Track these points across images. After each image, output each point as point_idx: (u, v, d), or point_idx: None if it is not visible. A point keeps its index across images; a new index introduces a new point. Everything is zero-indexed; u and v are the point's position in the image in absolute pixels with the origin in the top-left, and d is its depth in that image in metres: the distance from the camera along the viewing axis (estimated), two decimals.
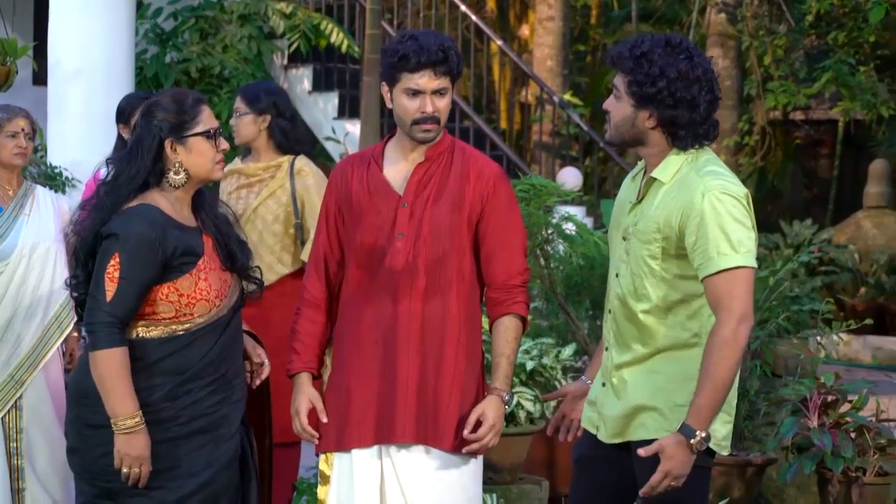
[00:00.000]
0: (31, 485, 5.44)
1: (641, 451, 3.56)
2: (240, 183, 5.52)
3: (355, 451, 3.98)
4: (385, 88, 3.98)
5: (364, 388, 3.97)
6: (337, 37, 11.30)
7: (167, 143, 3.83)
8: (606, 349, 3.85)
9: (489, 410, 3.92)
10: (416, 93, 3.90)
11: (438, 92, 3.91)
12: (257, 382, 4.12)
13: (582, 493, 3.92)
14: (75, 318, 5.51)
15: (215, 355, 3.88)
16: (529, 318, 6.61)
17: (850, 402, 5.49)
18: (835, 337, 6.51)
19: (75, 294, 3.94)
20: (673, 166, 3.69)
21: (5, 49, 8.33)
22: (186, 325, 3.84)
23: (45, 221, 5.51)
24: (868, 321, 6.81)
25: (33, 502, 5.43)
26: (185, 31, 11.22)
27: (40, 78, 9.62)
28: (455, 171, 4.00)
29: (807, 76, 14.05)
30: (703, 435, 3.50)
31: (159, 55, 10.96)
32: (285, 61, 11.94)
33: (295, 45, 11.27)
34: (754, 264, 3.56)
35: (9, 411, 5.39)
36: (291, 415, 4.08)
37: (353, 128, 11.51)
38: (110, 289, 3.72)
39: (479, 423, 3.92)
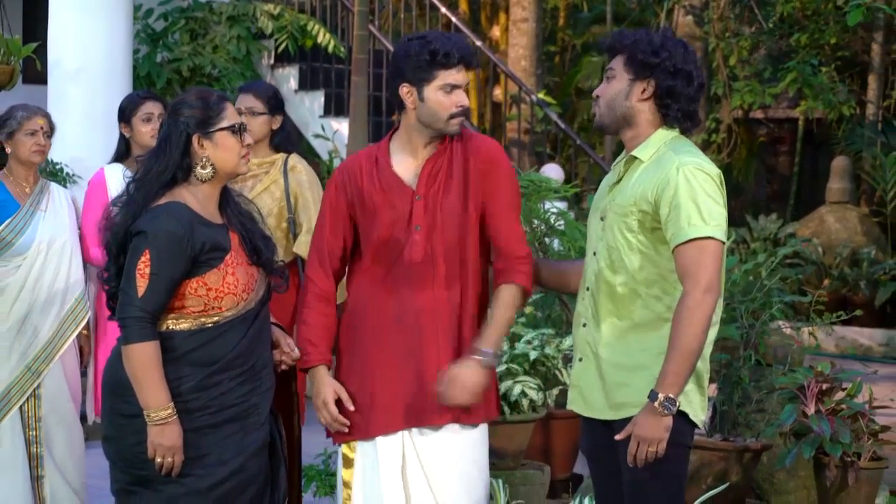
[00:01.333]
0: (50, 472, 5.51)
1: (617, 437, 3.67)
2: (236, 179, 5.48)
3: (379, 438, 4.05)
4: (406, 89, 4.02)
5: (389, 377, 4.04)
6: (323, 37, 11.51)
7: (194, 139, 3.89)
8: (584, 325, 3.89)
9: (460, 370, 3.95)
10: (453, 88, 3.99)
11: (464, 87, 4.04)
12: (283, 368, 4.14)
13: (599, 483, 4.00)
14: (90, 312, 5.65)
15: (244, 347, 3.92)
16: (529, 308, 6.71)
17: (844, 389, 5.59)
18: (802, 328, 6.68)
19: (107, 287, 3.99)
20: (653, 145, 3.78)
21: (9, 48, 8.53)
22: (215, 318, 3.88)
23: (61, 217, 5.59)
24: (858, 312, 7.01)
25: (52, 489, 5.51)
26: (176, 32, 11.40)
27: (30, 76, 9.75)
28: (457, 157, 4.08)
29: (771, 76, 14.44)
30: (665, 397, 3.56)
31: (150, 55, 11.12)
32: (272, 61, 12.11)
33: (283, 45, 11.47)
34: (724, 238, 3.63)
35: (27, 400, 5.47)
36: (317, 406, 4.11)
37: (339, 125, 11.71)
38: (141, 285, 3.77)
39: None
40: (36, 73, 9.43)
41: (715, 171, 3.69)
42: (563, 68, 18.55)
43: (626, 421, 3.69)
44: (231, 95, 4.83)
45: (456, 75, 4.00)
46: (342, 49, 11.77)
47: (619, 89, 3.79)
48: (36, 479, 5.51)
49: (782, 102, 15.75)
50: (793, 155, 16.51)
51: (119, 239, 3.89)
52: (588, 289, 3.88)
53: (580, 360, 3.90)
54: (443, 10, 12.46)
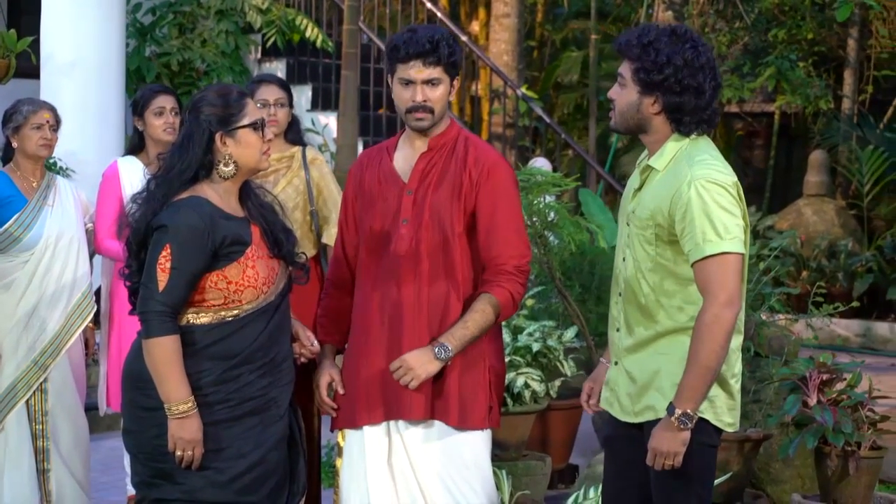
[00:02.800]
0: (56, 466, 5.53)
1: (648, 460, 3.66)
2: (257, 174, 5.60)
3: (366, 427, 4.08)
4: (389, 80, 4.13)
5: (370, 367, 4.07)
6: (311, 32, 11.55)
7: (217, 137, 3.89)
8: (617, 330, 3.90)
9: (411, 353, 3.96)
10: (407, 83, 4.03)
11: (430, 82, 4.02)
12: (302, 360, 4.17)
13: (611, 472, 4.01)
14: (95, 307, 5.69)
15: (264, 340, 3.92)
16: (530, 301, 6.70)
17: (844, 380, 5.64)
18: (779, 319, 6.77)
19: (128, 283, 4.00)
20: (668, 154, 3.75)
21: (5, 42, 8.55)
22: (235, 312, 3.89)
23: (68, 211, 5.61)
24: (855, 303, 7.08)
25: (58, 483, 5.53)
26: (164, 26, 11.41)
27: (22, 70, 9.73)
28: (457, 159, 4.09)
29: (749, 71, 14.58)
30: (682, 412, 3.57)
31: (139, 49, 11.13)
32: (259, 55, 12.15)
33: (271, 40, 11.50)
34: (741, 250, 3.58)
35: (33, 394, 5.49)
36: (314, 388, 4.22)
37: (327, 119, 11.76)
38: (162, 279, 3.78)
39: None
40: (28, 67, 9.44)
41: (730, 181, 3.64)
42: (541, 63, 18.64)
43: (651, 424, 3.73)
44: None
45: (409, 70, 4.02)
46: (330, 44, 11.82)
47: (629, 101, 3.77)
48: (42, 473, 5.53)
49: (758, 97, 15.87)
50: (768, 149, 16.59)
51: (140, 235, 3.89)
52: (620, 294, 3.89)
53: (615, 363, 3.92)
54: (428, 5, 12.51)
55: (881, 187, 14.10)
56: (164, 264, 3.79)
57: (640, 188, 3.84)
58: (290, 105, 5.53)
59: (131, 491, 5.91)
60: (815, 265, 13.19)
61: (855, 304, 6.94)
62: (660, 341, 3.77)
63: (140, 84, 10.90)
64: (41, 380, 5.49)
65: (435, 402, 4.02)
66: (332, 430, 4.27)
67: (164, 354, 3.79)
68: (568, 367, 6.60)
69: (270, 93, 5.45)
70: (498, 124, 13.95)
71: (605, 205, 9.50)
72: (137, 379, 3.92)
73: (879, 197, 14.19)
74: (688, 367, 3.59)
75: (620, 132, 3.93)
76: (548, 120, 11.99)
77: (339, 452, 4.25)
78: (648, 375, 3.78)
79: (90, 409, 5.97)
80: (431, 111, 4.05)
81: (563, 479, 7.03)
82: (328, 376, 4.18)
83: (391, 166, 4.16)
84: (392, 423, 4.07)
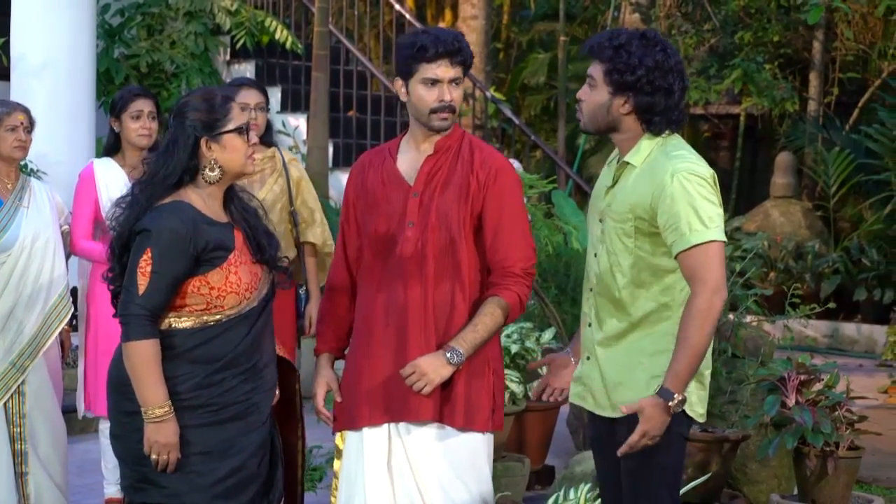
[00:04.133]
0: (34, 469, 5.49)
1: (623, 408, 3.68)
2: None
3: (366, 429, 4.06)
4: (399, 83, 4.07)
5: (374, 369, 4.05)
6: (281, 33, 11.53)
7: (202, 142, 3.87)
8: (589, 325, 3.94)
9: (424, 357, 3.97)
10: (434, 82, 4.01)
11: (454, 81, 4.03)
12: None
13: (601, 469, 4.06)
14: (72, 309, 5.65)
15: (247, 345, 3.91)
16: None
17: (821, 380, 5.68)
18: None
19: (111, 287, 3.98)
20: (644, 150, 3.80)
21: None
22: (217, 317, 3.87)
23: (43, 213, 5.58)
24: (832, 305, 7.14)
25: (36, 486, 5.49)
26: (133, 27, 11.35)
27: None
28: (462, 161, 4.08)
29: (716, 73, 14.66)
30: (681, 398, 3.63)
31: (108, 50, 11.08)
32: (228, 57, 12.13)
33: (241, 42, 11.47)
34: (724, 238, 3.67)
35: (11, 397, 5.44)
36: (311, 396, 4.23)
37: (297, 121, 11.75)
38: (142, 282, 3.76)
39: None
40: None
41: (708, 173, 3.72)
42: (508, 65, 18.68)
43: (626, 418, 3.72)
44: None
45: (436, 69, 4.00)
46: (299, 45, 11.80)
47: (599, 102, 3.82)
48: (20, 476, 5.49)
49: (723, 98, 15.96)
50: (733, 150, 16.70)
51: (122, 238, 3.88)
52: (591, 290, 3.94)
53: (587, 358, 3.96)
54: (396, 7, 12.51)
55: (847, 189, 14.22)
56: (144, 268, 3.77)
57: (613, 185, 3.88)
58: (267, 108, 5.55)
59: (108, 494, 5.90)
60: (783, 266, 13.27)
61: (831, 305, 6.98)
62: (632, 334, 3.82)
63: (109, 86, 10.85)
64: (19, 382, 5.46)
65: (441, 405, 4.02)
66: (333, 433, 4.25)
67: (142, 358, 3.78)
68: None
69: (251, 97, 5.46)
70: (467, 126, 13.96)
71: (576, 206, 9.54)
72: (120, 383, 3.91)
73: (845, 198, 14.33)
74: (679, 352, 3.64)
75: (590, 132, 3.97)
76: (517, 121, 12.02)
77: (338, 454, 4.23)
78: (622, 370, 3.83)
79: (67, 411, 5.92)
80: (454, 111, 4.06)
81: (540, 480, 7.04)
82: (325, 385, 4.19)
83: (395, 168, 4.13)
84: (392, 425, 4.06)
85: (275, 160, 5.56)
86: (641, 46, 3.76)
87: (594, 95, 3.82)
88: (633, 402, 3.70)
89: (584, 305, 3.98)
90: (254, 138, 4.00)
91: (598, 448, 4.07)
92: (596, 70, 3.81)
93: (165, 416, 3.79)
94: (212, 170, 3.90)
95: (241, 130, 3.93)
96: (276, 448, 4.10)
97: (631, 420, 3.70)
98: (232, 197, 4.03)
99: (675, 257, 3.70)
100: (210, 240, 3.84)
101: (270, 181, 5.49)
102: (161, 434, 3.80)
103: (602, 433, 3.97)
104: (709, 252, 3.65)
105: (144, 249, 3.78)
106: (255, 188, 5.46)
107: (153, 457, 3.81)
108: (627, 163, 3.83)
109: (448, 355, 3.96)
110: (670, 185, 3.67)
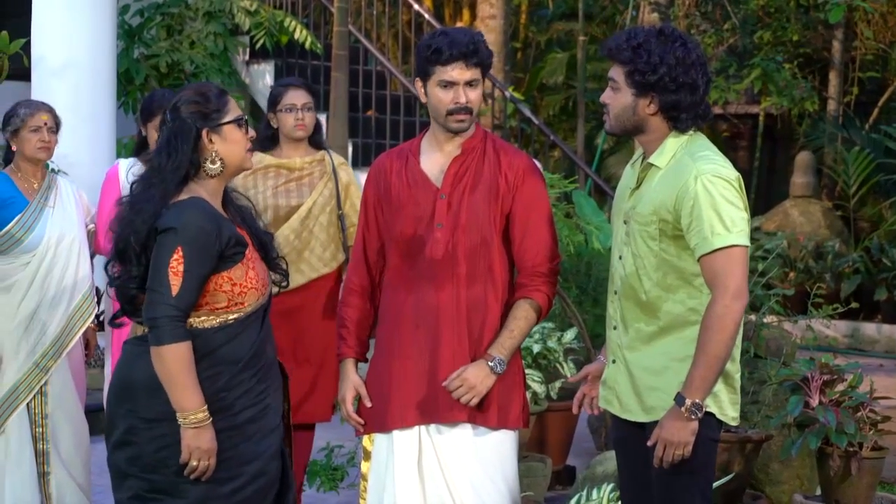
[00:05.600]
0: (56, 469, 5.51)
1: (649, 442, 3.69)
2: (289, 177, 5.47)
3: (396, 431, 4.05)
4: (419, 84, 4.10)
5: (406, 371, 4.05)
6: (300, 33, 11.54)
7: (204, 133, 3.80)
8: (614, 328, 3.91)
9: (469, 368, 3.98)
10: (449, 84, 4.01)
11: (470, 83, 4.02)
12: None
13: (624, 470, 4.04)
14: (96, 309, 5.67)
15: (260, 343, 3.85)
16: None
17: (845, 380, 5.63)
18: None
19: (126, 290, 3.83)
20: (669, 152, 3.77)
21: None
22: (237, 315, 3.79)
23: (69, 213, 5.59)
24: (854, 304, 7.12)
25: (58, 486, 5.51)
26: (152, 28, 11.38)
27: (13, 72, 9.70)
28: (489, 162, 4.08)
29: (735, 73, 14.63)
30: (692, 402, 3.60)
31: (127, 51, 11.10)
32: (247, 57, 12.15)
33: (260, 42, 11.49)
34: (748, 243, 3.62)
35: (34, 397, 5.46)
36: (339, 402, 4.18)
37: None
38: (175, 282, 3.65)
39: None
40: (20, 69, 9.39)
41: (733, 175, 3.69)
42: (526, 65, 18.67)
43: (655, 423, 3.73)
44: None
45: (451, 72, 4.01)
46: (318, 45, 11.81)
47: (624, 104, 3.78)
48: (42, 476, 5.51)
49: (742, 98, 15.93)
50: (752, 150, 16.67)
51: (141, 238, 3.74)
52: (616, 292, 3.91)
53: (613, 361, 3.93)
54: (415, 6, 12.51)
55: (867, 188, 14.18)
56: (176, 267, 3.66)
57: (637, 186, 3.85)
58: (316, 109, 5.52)
59: None
60: (803, 266, 13.24)
61: (854, 304, 6.95)
62: (663, 338, 3.79)
63: (129, 86, 10.87)
64: (42, 382, 5.47)
65: (476, 405, 4.02)
66: (356, 436, 4.25)
67: (178, 362, 3.65)
68: (568, 369, 6.61)
69: (298, 97, 5.43)
70: (486, 125, 13.97)
71: (597, 206, 9.53)
72: (133, 388, 3.77)
73: (865, 198, 14.29)
74: (697, 358, 3.62)
75: (617, 134, 3.94)
76: (536, 121, 12.01)
77: (367, 456, 4.23)
78: (652, 374, 3.80)
79: (91, 410, 5.93)
80: (471, 112, 4.05)
81: (561, 480, 7.04)
82: (353, 390, 4.16)
83: (419, 170, 4.13)
84: (423, 426, 4.05)
85: (324, 163, 5.52)
86: (660, 44, 3.72)
87: (618, 98, 3.79)
88: (661, 414, 3.70)
89: (609, 308, 3.95)
90: (252, 132, 3.95)
91: (622, 451, 4.05)
92: (617, 72, 3.78)
93: (206, 421, 3.67)
94: (213, 162, 3.82)
95: (241, 122, 3.88)
96: (287, 450, 4.05)
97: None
98: (227, 196, 3.97)
99: (698, 261, 3.66)
100: (231, 234, 3.77)
101: (320, 185, 5.47)
102: (202, 439, 3.67)
103: (627, 436, 3.95)
104: (731, 256, 3.61)
105: (174, 248, 3.66)
106: (304, 192, 5.48)
107: (192, 463, 3.67)
108: (652, 164, 3.81)
109: (492, 364, 3.98)
110: (694, 187, 3.63)
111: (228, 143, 3.85)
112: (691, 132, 3.79)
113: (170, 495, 3.74)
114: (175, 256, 3.66)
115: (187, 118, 3.80)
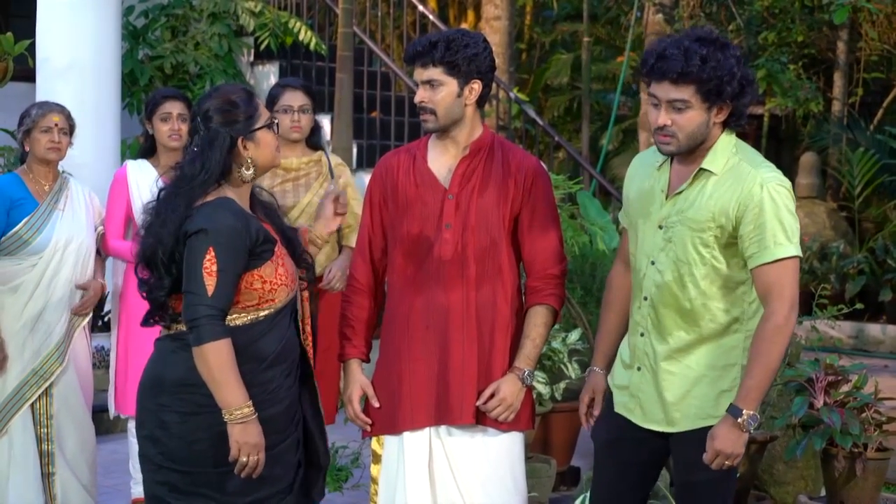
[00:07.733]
0: (61, 469, 5.53)
1: (706, 457, 3.64)
2: (285, 178, 5.51)
3: (406, 433, 4.06)
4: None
5: (416, 372, 4.05)
6: (305, 35, 11.54)
7: (239, 141, 3.81)
8: (641, 335, 3.87)
9: (504, 385, 4.01)
10: (418, 84, 4.06)
11: (429, 83, 4.02)
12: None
13: (605, 473, 4.04)
14: (91, 311, 5.67)
15: (288, 339, 3.88)
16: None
17: (850, 381, 5.63)
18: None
19: (153, 297, 3.84)
20: (721, 155, 3.72)
21: (2, 45, 8.49)
22: (267, 311, 3.81)
23: (79, 216, 5.60)
24: (859, 305, 7.11)
25: (63, 486, 5.54)
26: (157, 29, 11.38)
27: (18, 73, 9.70)
28: (497, 163, 4.08)
29: None
30: (750, 414, 3.60)
31: (132, 52, 11.11)
32: (252, 58, 12.13)
33: (265, 43, 11.49)
34: (801, 254, 3.65)
35: (39, 398, 5.48)
36: (345, 402, 4.19)
37: (320, 122, 11.72)
38: (210, 283, 3.66)
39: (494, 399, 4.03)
40: (25, 70, 9.41)
41: (789, 184, 3.71)
42: (530, 66, 18.67)
43: (684, 434, 3.76)
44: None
45: (416, 73, 4.05)
46: (323, 46, 11.80)
47: (700, 121, 3.70)
48: (47, 477, 5.52)
49: None
50: (757, 151, 16.67)
51: (167, 245, 3.75)
52: (647, 298, 3.86)
53: (638, 368, 3.90)
54: (419, 7, 12.50)
55: (871, 189, 14.16)
56: (210, 268, 3.67)
57: (680, 192, 3.79)
58: (314, 110, 5.54)
59: (135, 494, 5.92)
60: (807, 267, 13.22)
61: (859, 305, 6.94)
62: (702, 347, 3.78)
63: (134, 87, 10.87)
64: (47, 383, 5.47)
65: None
66: (363, 437, 4.25)
67: (220, 359, 3.66)
68: (572, 370, 6.60)
69: (295, 99, 5.48)
70: (490, 127, 13.95)
71: (601, 207, 9.53)
72: (164, 383, 3.80)
73: (870, 199, 14.26)
74: (755, 369, 3.60)
75: (682, 153, 3.78)
76: (541, 122, 12.00)
77: (376, 459, 4.24)
78: (685, 383, 3.79)
79: (97, 411, 5.94)
80: (433, 112, 4.03)
81: (566, 481, 7.04)
82: (360, 390, 4.16)
83: (428, 170, 4.13)
84: (433, 427, 4.06)
85: (321, 164, 5.56)
86: (717, 52, 3.64)
87: (691, 117, 3.69)
88: (701, 421, 3.74)
89: (636, 315, 3.90)
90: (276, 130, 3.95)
91: (614, 453, 4.01)
92: (685, 91, 3.66)
93: (252, 416, 3.69)
94: (248, 168, 3.85)
95: (271, 124, 3.90)
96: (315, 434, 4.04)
97: (687, 437, 3.74)
98: (253, 193, 4.00)
99: (752, 269, 3.64)
100: (260, 232, 3.79)
101: (316, 185, 5.50)
102: (250, 434, 3.69)
103: (630, 439, 3.93)
104: (788, 267, 3.61)
105: (206, 249, 3.67)
106: (300, 192, 5.51)
107: (242, 459, 3.69)
108: (704, 169, 3.75)
109: (523, 378, 4.03)
110: (759, 194, 3.62)
111: (262, 148, 3.87)
112: (734, 133, 3.78)
113: (209, 487, 3.78)
114: (208, 257, 3.68)
115: (220, 128, 3.81)
